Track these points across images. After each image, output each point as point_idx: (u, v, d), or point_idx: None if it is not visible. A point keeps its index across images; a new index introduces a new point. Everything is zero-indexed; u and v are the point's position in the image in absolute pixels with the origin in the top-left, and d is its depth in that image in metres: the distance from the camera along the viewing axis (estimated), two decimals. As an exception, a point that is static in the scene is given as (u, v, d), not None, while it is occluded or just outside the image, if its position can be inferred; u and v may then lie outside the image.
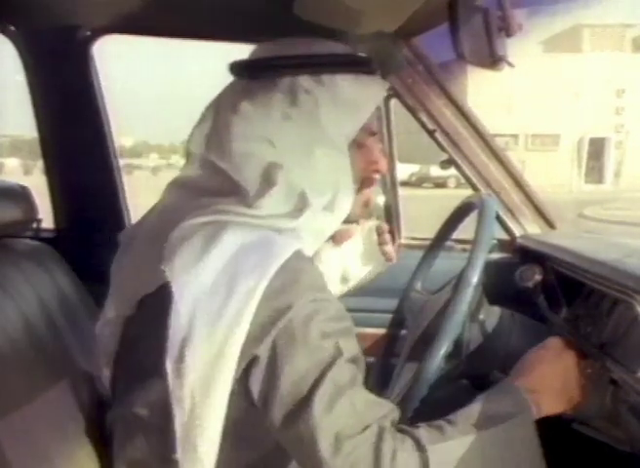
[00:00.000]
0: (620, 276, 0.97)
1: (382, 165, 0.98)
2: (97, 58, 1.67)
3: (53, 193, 1.75)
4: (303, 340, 0.77)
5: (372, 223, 1.19)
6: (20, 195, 1.14)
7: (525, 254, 1.50)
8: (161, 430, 0.82)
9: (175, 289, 0.79)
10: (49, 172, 1.74)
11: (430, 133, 1.62)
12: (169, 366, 0.79)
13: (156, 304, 0.82)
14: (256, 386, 0.79)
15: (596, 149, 23.91)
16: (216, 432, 0.79)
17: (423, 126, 1.62)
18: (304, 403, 0.76)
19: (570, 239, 1.47)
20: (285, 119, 0.87)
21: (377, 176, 0.99)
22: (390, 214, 1.82)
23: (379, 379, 1.24)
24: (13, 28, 1.58)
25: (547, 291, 1.30)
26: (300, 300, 0.78)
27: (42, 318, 1.05)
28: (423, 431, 0.81)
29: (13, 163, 22.32)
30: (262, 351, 0.78)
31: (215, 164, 0.89)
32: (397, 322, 1.29)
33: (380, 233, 1.20)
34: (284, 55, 0.91)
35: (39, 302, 1.06)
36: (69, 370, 1.06)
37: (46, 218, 1.35)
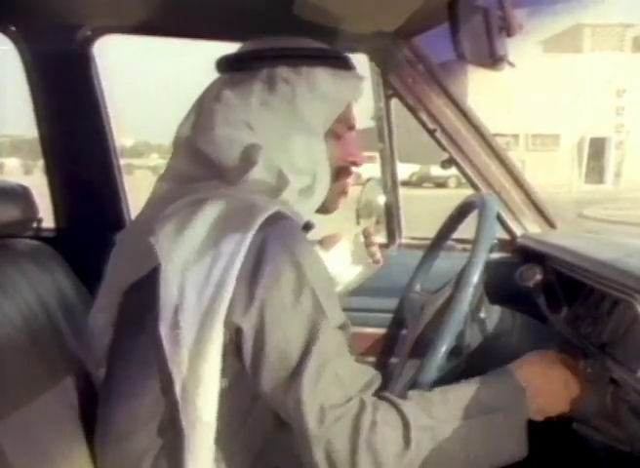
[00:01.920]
0: (620, 276, 0.97)
1: (360, 158, 1.03)
2: (97, 58, 1.67)
3: (53, 193, 1.75)
4: (291, 307, 0.79)
5: (359, 227, 1.22)
6: (20, 195, 1.14)
7: (525, 254, 1.50)
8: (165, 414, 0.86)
9: (162, 259, 0.82)
10: (49, 171, 1.74)
11: (431, 132, 1.62)
12: (163, 333, 0.81)
13: (149, 283, 0.85)
14: (246, 353, 0.81)
15: (596, 149, 23.88)
16: (214, 389, 0.82)
17: (424, 125, 1.62)
18: (293, 375, 0.78)
19: (570, 239, 1.46)
20: (263, 105, 0.92)
21: (353, 168, 1.04)
22: (391, 214, 1.82)
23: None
24: (13, 28, 1.58)
25: (547, 290, 1.30)
26: (285, 267, 0.80)
27: (42, 318, 1.05)
28: (411, 406, 0.81)
29: (13, 163, 22.30)
30: (250, 318, 0.80)
31: (200, 150, 0.94)
32: (397, 322, 1.29)
33: (366, 236, 1.23)
34: (265, 47, 0.97)
35: (39, 302, 1.06)
36: (69, 369, 1.06)
37: (46, 218, 1.35)
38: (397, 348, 1.27)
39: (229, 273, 0.79)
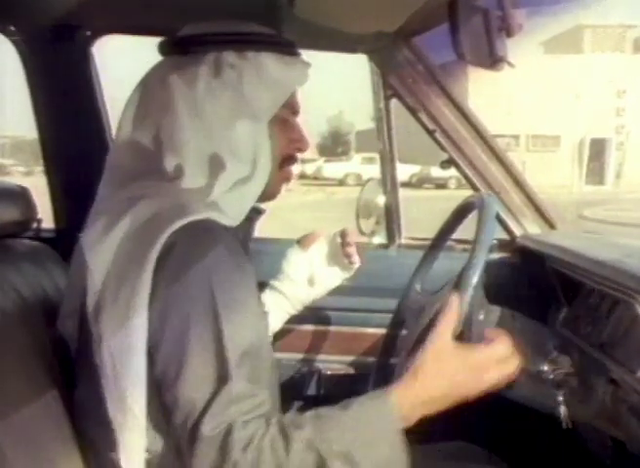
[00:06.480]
0: (620, 276, 0.97)
1: (304, 144, 1.02)
2: (97, 58, 1.67)
3: (53, 193, 1.75)
4: (188, 313, 0.79)
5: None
6: (19, 195, 1.14)
7: (525, 254, 1.50)
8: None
9: (88, 257, 0.83)
10: (49, 172, 1.74)
11: (430, 133, 1.62)
12: (93, 330, 0.83)
13: None
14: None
15: (597, 150, 23.90)
16: (142, 392, 0.81)
17: (424, 126, 1.62)
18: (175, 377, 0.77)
19: (570, 239, 1.47)
20: (208, 90, 0.91)
21: (298, 155, 1.03)
22: (391, 215, 1.82)
23: (378, 379, 1.24)
24: (13, 28, 1.58)
25: (547, 291, 1.30)
26: (197, 276, 0.80)
27: (41, 318, 1.04)
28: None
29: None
30: (155, 314, 0.80)
31: (139, 140, 0.93)
32: (397, 322, 1.28)
33: (343, 236, 1.22)
34: (211, 31, 0.96)
35: (38, 303, 1.06)
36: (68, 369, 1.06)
37: (46, 219, 1.35)
38: (397, 348, 1.27)
39: (143, 276, 0.79)
